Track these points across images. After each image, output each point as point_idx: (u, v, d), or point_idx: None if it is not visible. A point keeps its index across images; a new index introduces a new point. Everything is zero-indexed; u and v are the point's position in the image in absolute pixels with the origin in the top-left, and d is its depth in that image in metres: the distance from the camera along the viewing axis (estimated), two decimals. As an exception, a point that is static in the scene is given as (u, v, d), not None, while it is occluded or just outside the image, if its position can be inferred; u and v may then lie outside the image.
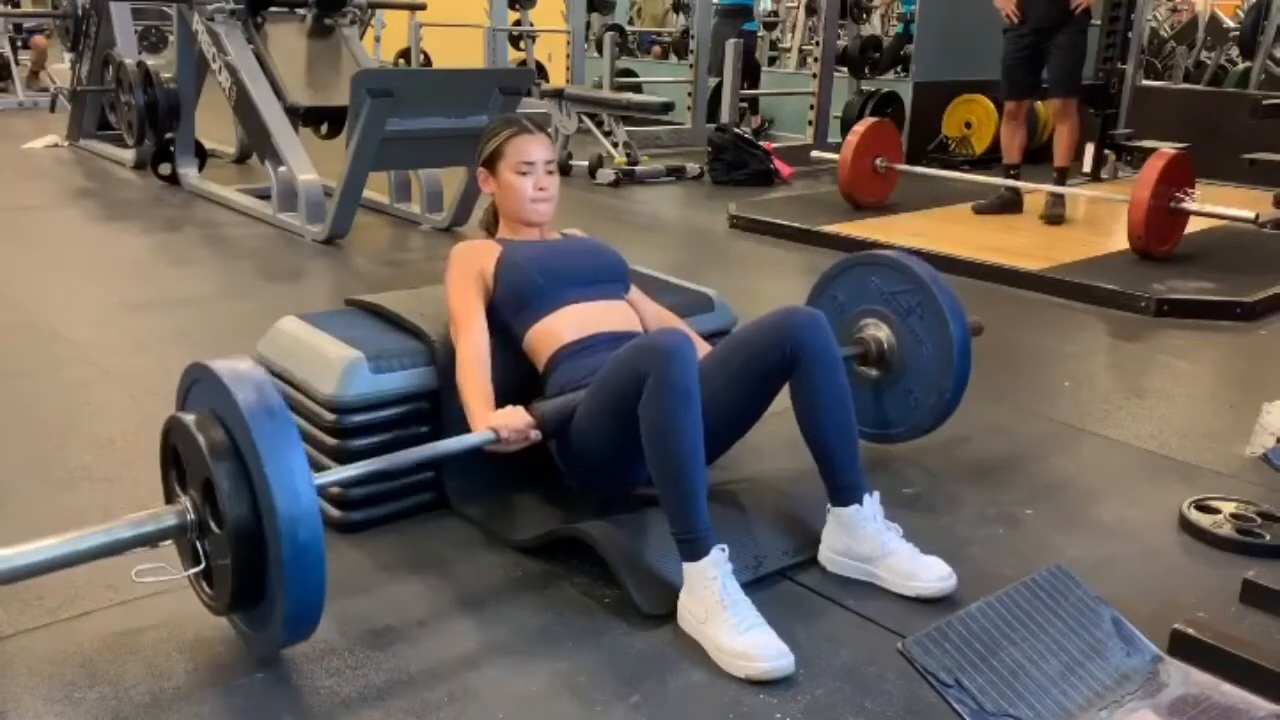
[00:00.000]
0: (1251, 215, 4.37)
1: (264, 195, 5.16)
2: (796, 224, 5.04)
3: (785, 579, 1.94)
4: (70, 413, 2.69)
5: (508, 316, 2.15)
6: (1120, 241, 4.48)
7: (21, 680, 1.61)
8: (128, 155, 6.33)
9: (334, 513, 2.07)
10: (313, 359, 2.12)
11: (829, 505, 1.95)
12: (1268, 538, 2.11)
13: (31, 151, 6.99)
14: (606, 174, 6.38)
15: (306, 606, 1.55)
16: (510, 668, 1.67)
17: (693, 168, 6.69)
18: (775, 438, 2.47)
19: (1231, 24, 10.33)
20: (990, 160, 6.75)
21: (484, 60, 9.62)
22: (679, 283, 2.67)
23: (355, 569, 1.96)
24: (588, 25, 9.89)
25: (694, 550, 1.73)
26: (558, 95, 6.76)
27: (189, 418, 1.60)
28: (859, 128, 5.56)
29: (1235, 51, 9.75)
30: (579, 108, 6.71)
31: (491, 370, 2.06)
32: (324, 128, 5.51)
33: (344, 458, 2.02)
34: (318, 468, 1.96)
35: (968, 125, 7.27)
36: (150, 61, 5.78)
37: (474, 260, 2.17)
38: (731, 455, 2.16)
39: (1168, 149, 4.62)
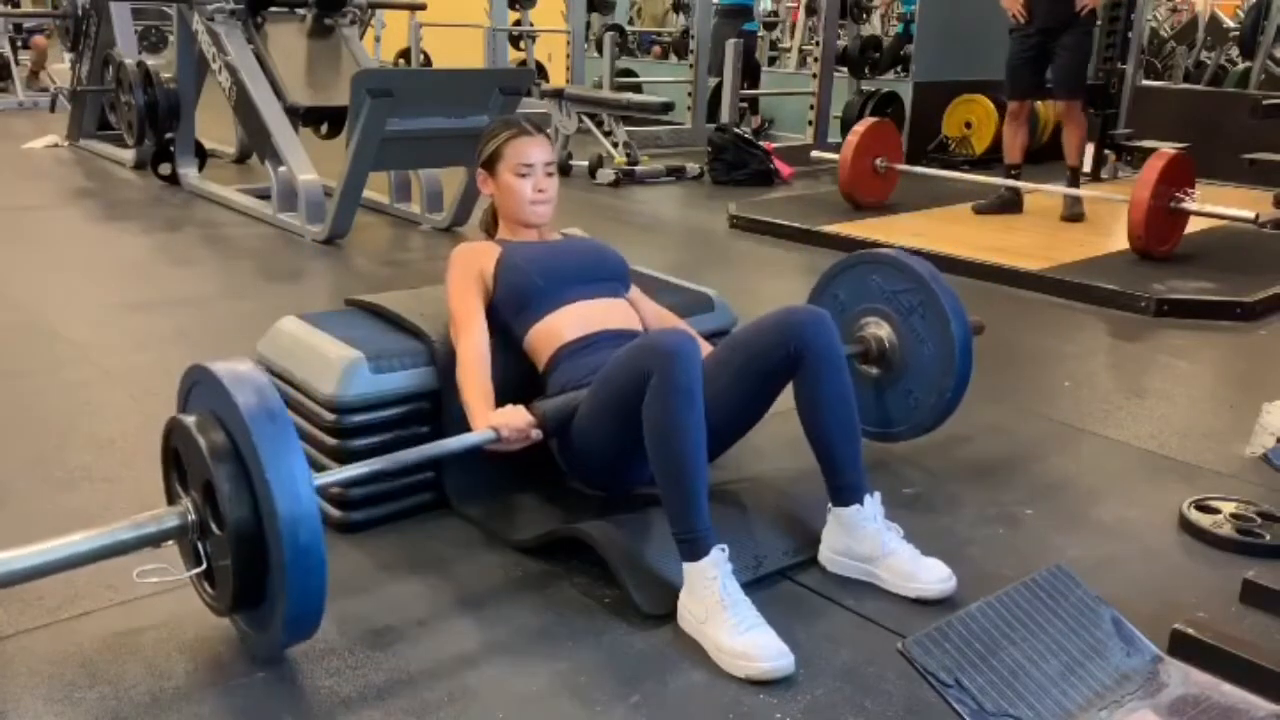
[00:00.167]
0: (1251, 215, 4.37)
1: (264, 195, 5.16)
2: (796, 224, 5.04)
3: (785, 579, 1.94)
4: (70, 413, 2.69)
5: (508, 317, 2.15)
6: (1120, 241, 4.48)
7: (21, 680, 1.61)
8: (128, 155, 6.33)
9: (334, 513, 2.07)
10: (313, 359, 2.12)
11: (829, 505, 1.95)
12: (1268, 538, 2.11)
13: (31, 151, 6.99)
14: (606, 174, 6.38)
15: (307, 608, 1.55)
16: (510, 667, 1.67)
17: (693, 168, 6.69)
18: (776, 438, 2.47)
19: (1231, 24, 10.33)
20: (990, 160, 6.75)
21: (484, 60, 9.63)
22: (679, 283, 2.67)
23: (355, 569, 1.96)
24: (588, 25, 9.89)
25: (694, 550, 1.73)
26: (558, 95, 6.76)
27: (190, 420, 1.60)
28: (859, 128, 5.56)
29: (1235, 51, 9.76)
30: (579, 108, 6.71)
31: (492, 370, 2.06)
32: (324, 128, 5.50)
33: (344, 458, 2.02)
34: (318, 468, 1.97)
35: (968, 125, 7.27)
36: (150, 61, 5.78)
37: (473, 261, 2.18)
38: (731, 455, 2.16)
39: (1168, 149, 4.62)
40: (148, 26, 7.84)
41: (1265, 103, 5.68)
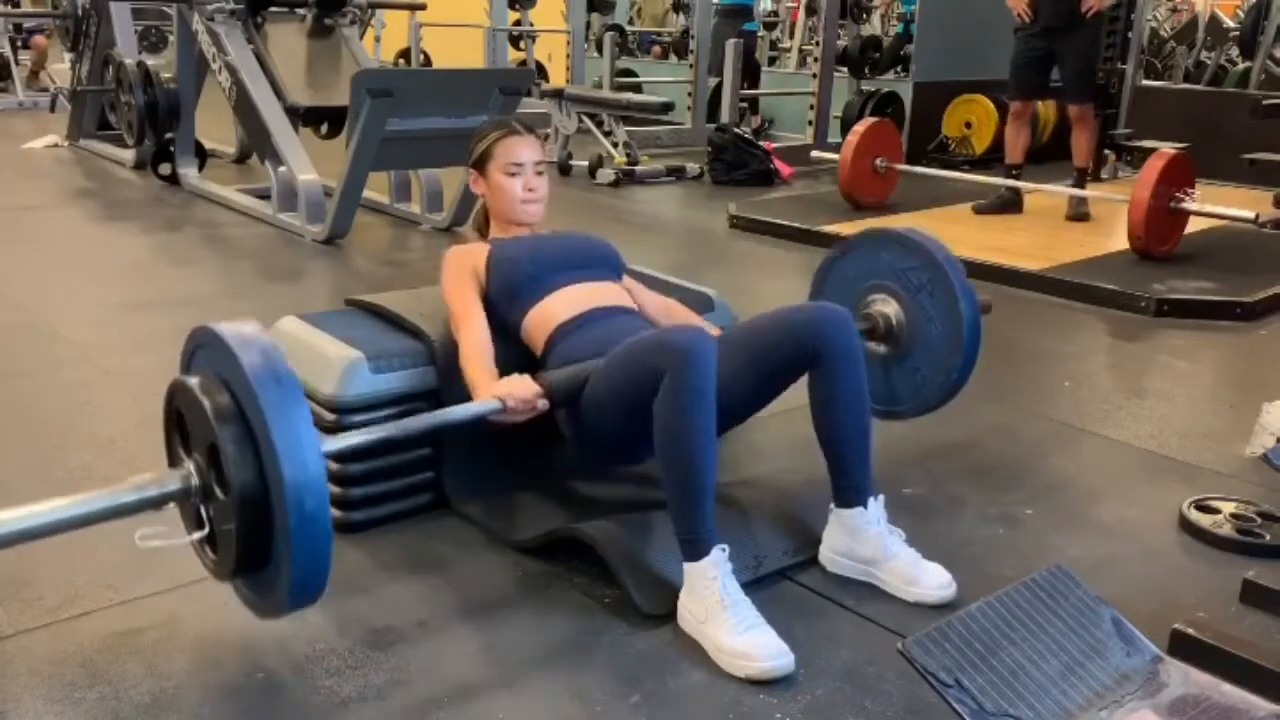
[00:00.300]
0: (1251, 215, 4.37)
1: (264, 195, 5.16)
2: (796, 224, 5.04)
3: (785, 579, 1.94)
4: (70, 413, 2.69)
5: (502, 308, 2.15)
6: (1120, 241, 4.48)
7: (21, 680, 1.61)
8: (128, 155, 6.33)
9: (334, 513, 2.07)
10: (313, 359, 2.12)
11: (831, 505, 1.95)
12: (1268, 538, 2.11)
13: (31, 151, 6.99)
14: (606, 174, 6.38)
15: (313, 573, 1.51)
16: (510, 668, 1.67)
17: (693, 168, 6.69)
18: (776, 438, 2.47)
19: (1231, 24, 10.33)
20: (990, 160, 6.75)
21: (484, 60, 9.63)
22: (679, 282, 2.67)
23: (355, 569, 1.96)
24: (588, 25, 9.89)
25: (695, 550, 1.73)
26: (558, 95, 6.76)
27: (194, 381, 1.56)
28: (859, 128, 5.56)
29: (1235, 51, 9.75)
30: (579, 108, 6.71)
31: (491, 345, 2.07)
32: (324, 128, 5.50)
33: (343, 459, 2.02)
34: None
35: (968, 125, 7.27)
36: (150, 61, 5.78)
37: (466, 260, 2.19)
38: (732, 455, 2.16)
39: (1168, 149, 4.62)
40: (148, 26, 7.84)
41: (1265, 103, 5.68)
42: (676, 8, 12.63)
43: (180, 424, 1.63)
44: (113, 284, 3.96)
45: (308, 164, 4.83)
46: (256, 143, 5.24)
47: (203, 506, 1.59)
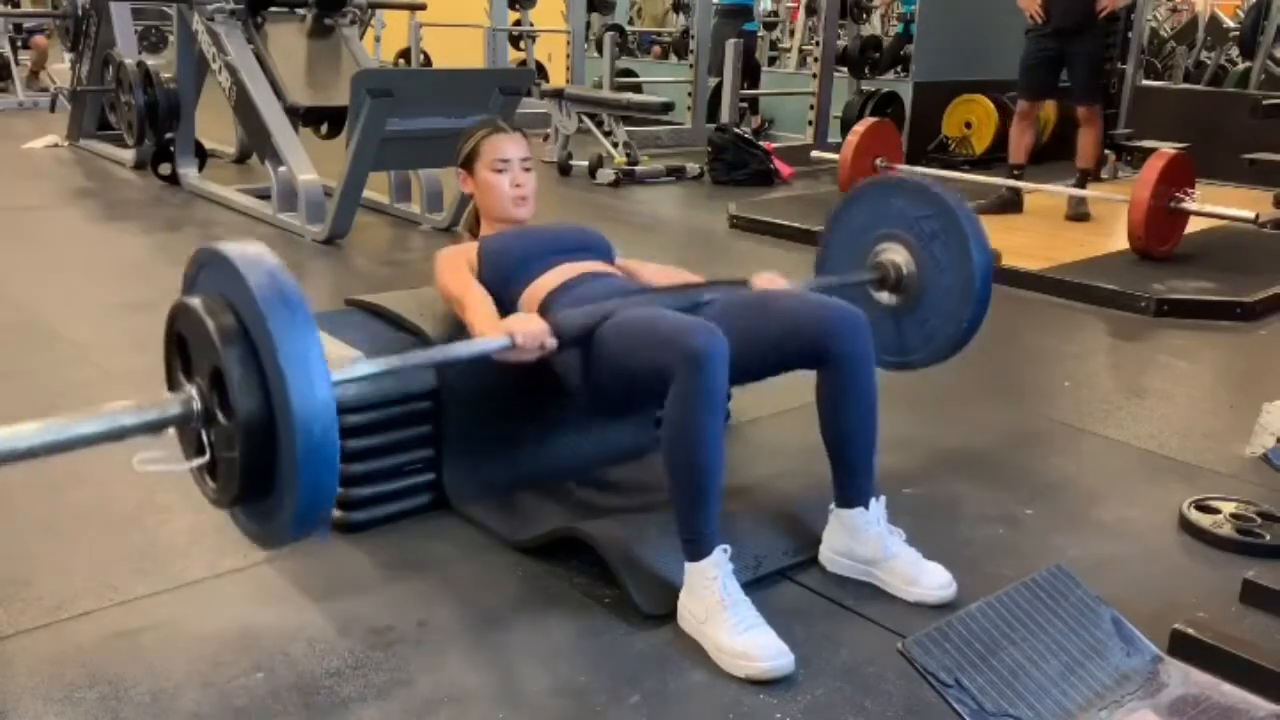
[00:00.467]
0: (1251, 215, 4.37)
1: (264, 195, 5.16)
2: (796, 224, 5.04)
3: (785, 579, 1.94)
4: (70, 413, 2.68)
5: (496, 292, 2.14)
6: (1120, 241, 4.48)
7: (21, 680, 1.61)
8: (128, 155, 6.33)
9: (334, 513, 2.07)
10: (313, 359, 2.12)
11: (832, 505, 1.95)
12: (1268, 538, 2.11)
13: (31, 151, 6.99)
14: (606, 174, 6.38)
15: (318, 503, 1.47)
16: (510, 668, 1.67)
17: (693, 168, 6.69)
18: (775, 438, 2.47)
19: (1231, 24, 10.33)
20: (990, 160, 6.75)
21: (484, 60, 9.62)
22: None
23: (355, 569, 1.96)
24: (588, 25, 9.89)
25: (697, 550, 1.73)
26: (558, 95, 6.76)
27: (197, 301, 1.51)
28: (859, 128, 5.56)
29: (1235, 51, 9.75)
30: (579, 108, 6.71)
31: None
32: (324, 128, 5.50)
33: (343, 458, 2.01)
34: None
35: (968, 125, 7.26)
36: (150, 61, 5.77)
37: (459, 254, 2.22)
38: (732, 455, 2.15)
39: (1168, 149, 4.62)
40: (148, 26, 7.84)
41: (1265, 103, 5.68)
42: (676, 8, 12.63)
43: (182, 347, 1.57)
44: (113, 284, 3.96)
45: (308, 164, 4.83)
46: (256, 143, 5.24)
47: (204, 432, 1.53)
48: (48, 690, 1.59)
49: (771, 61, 11.17)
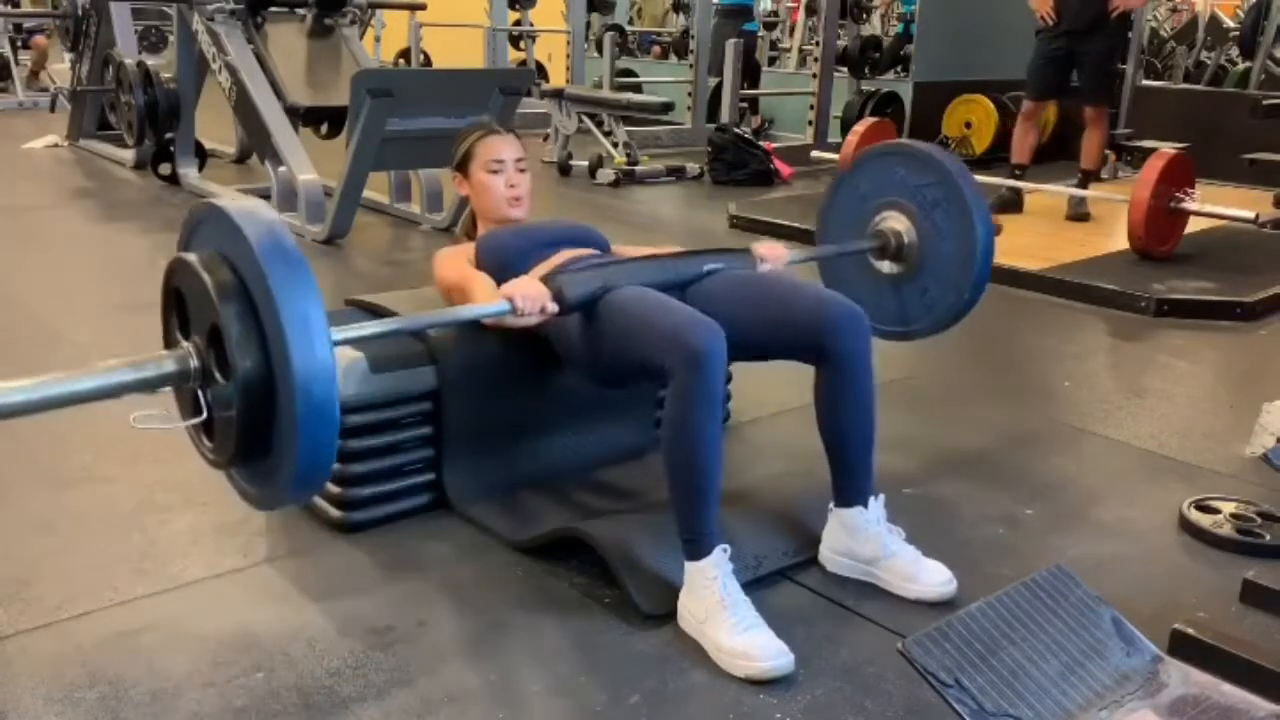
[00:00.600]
0: (1251, 215, 4.37)
1: (264, 195, 5.15)
2: (796, 224, 5.03)
3: (785, 579, 1.94)
4: (70, 413, 2.68)
5: (497, 281, 2.13)
6: (1120, 241, 4.48)
7: (21, 680, 1.61)
8: (128, 155, 6.33)
9: (334, 513, 2.07)
10: (312, 359, 2.12)
11: (831, 505, 1.95)
12: (1268, 538, 2.11)
13: (31, 151, 6.99)
14: (606, 174, 6.38)
15: (317, 465, 1.46)
16: (510, 668, 1.67)
17: (693, 168, 6.69)
18: (775, 438, 2.47)
19: (1231, 24, 10.33)
20: (990, 160, 6.74)
21: (484, 60, 9.62)
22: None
23: (355, 569, 1.96)
24: (588, 25, 9.89)
25: (697, 549, 1.74)
26: (558, 95, 6.76)
27: (194, 257, 1.48)
28: (859, 127, 5.55)
29: (1235, 51, 9.75)
30: (579, 108, 6.71)
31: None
32: (324, 128, 5.50)
33: (342, 458, 2.02)
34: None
35: (967, 125, 7.26)
36: (150, 61, 5.77)
37: (457, 253, 2.25)
38: (732, 455, 2.15)
39: (1168, 149, 4.62)
40: (148, 26, 7.83)
41: (1265, 103, 5.68)
42: (676, 8, 12.63)
43: (179, 305, 1.54)
44: (113, 284, 3.96)
45: (308, 164, 4.83)
46: (256, 143, 5.24)
47: (201, 391, 1.51)
48: (48, 690, 1.59)
49: (771, 61, 11.17)
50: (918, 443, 2.54)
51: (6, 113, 8.82)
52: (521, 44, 10.19)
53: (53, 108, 7.70)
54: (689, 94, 8.12)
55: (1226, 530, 2.14)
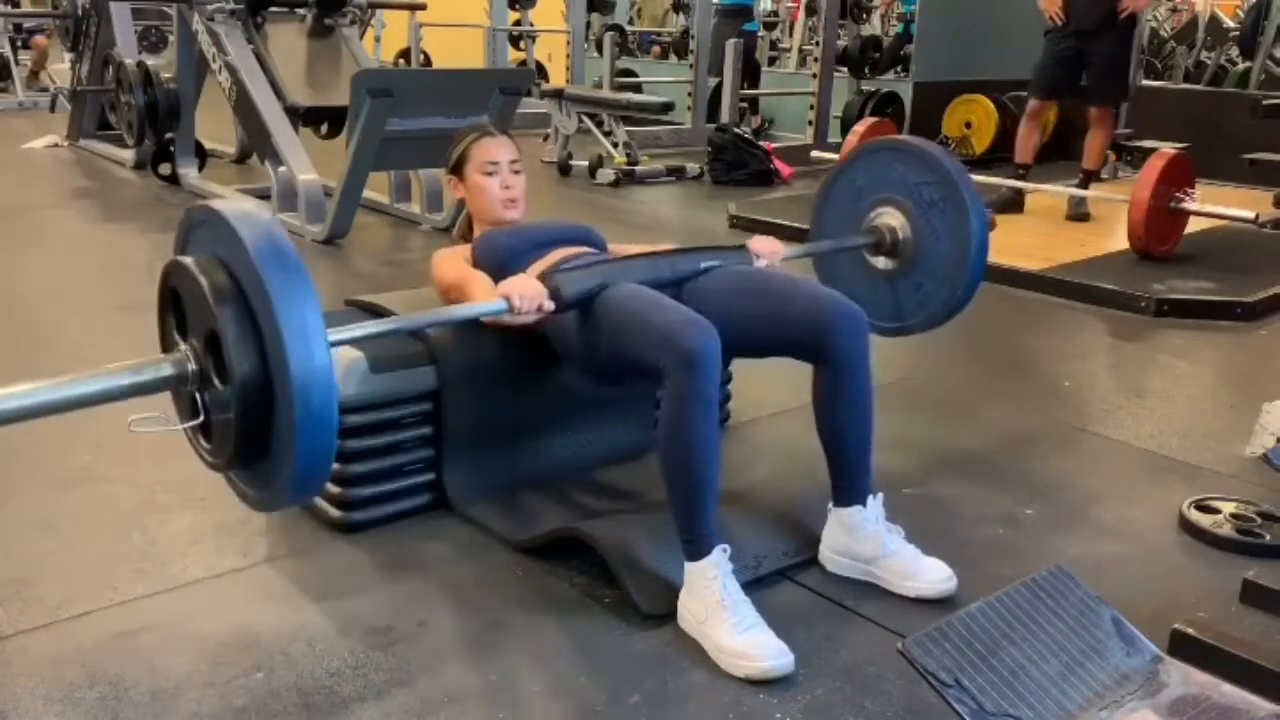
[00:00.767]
0: (1251, 215, 4.37)
1: (264, 195, 5.16)
2: (796, 224, 5.02)
3: (785, 579, 1.94)
4: (70, 413, 2.68)
5: (495, 279, 2.14)
6: (1120, 241, 4.48)
7: (21, 680, 1.61)
8: (128, 155, 6.33)
9: (334, 513, 2.07)
10: (312, 359, 2.12)
11: (830, 505, 1.95)
12: (1268, 538, 2.11)
13: (31, 151, 6.99)
14: (606, 174, 6.38)
15: (316, 468, 1.46)
16: (510, 668, 1.67)
17: (693, 168, 6.69)
18: (775, 438, 2.47)
19: (1231, 24, 10.33)
20: (990, 160, 6.75)
21: (484, 60, 9.63)
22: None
23: (355, 569, 1.96)
24: (588, 25, 9.89)
25: (696, 550, 1.74)
26: (558, 95, 6.76)
27: (191, 260, 1.48)
28: (859, 127, 5.55)
29: (1235, 51, 9.75)
30: (579, 108, 6.71)
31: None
32: (324, 128, 5.50)
33: (342, 459, 2.02)
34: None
35: (968, 125, 7.26)
36: (150, 61, 5.78)
37: (455, 253, 2.26)
38: (732, 455, 2.16)
39: (1168, 149, 4.62)
40: (148, 26, 7.83)
41: (1265, 103, 5.68)
42: (676, 8, 12.63)
43: (176, 307, 1.54)
44: (113, 284, 3.96)
45: (308, 164, 4.83)
46: (256, 143, 5.24)
47: (199, 394, 1.51)
48: (48, 690, 1.59)
49: (771, 61, 11.17)
50: (917, 443, 2.54)
51: (6, 113, 8.82)
52: (521, 44, 10.19)
53: (53, 108, 7.71)
54: (689, 94, 8.12)
55: (1226, 530, 2.14)
